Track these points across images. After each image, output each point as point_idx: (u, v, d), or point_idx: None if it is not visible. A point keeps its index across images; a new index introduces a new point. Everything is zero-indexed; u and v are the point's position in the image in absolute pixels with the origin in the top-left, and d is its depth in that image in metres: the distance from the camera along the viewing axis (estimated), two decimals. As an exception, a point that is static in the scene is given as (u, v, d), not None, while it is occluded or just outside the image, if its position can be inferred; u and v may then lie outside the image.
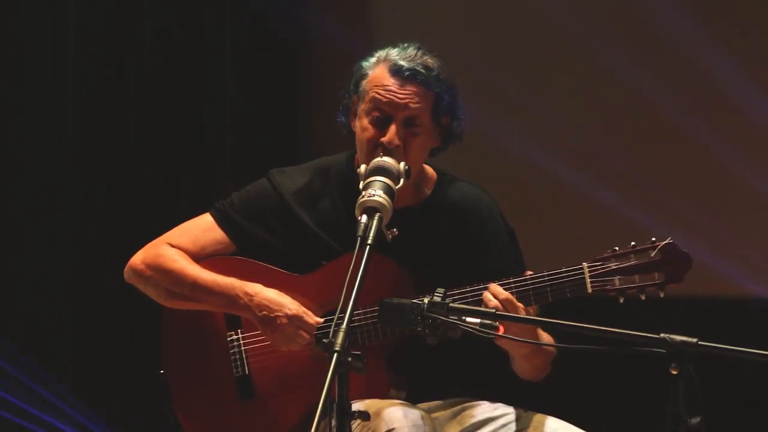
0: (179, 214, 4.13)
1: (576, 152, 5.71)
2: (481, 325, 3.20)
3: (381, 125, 3.83)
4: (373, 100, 3.84)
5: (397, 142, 3.80)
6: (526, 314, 3.69)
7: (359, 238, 3.30)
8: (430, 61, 3.88)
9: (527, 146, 5.75)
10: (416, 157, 3.84)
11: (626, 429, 4.05)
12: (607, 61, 5.66)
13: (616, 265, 3.73)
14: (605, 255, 3.75)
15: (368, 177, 3.54)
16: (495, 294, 3.69)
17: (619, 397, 5.68)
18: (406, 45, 3.91)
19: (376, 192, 3.42)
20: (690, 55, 5.58)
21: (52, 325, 5.93)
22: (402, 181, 3.58)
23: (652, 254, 3.72)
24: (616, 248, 3.75)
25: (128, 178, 5.99)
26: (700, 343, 2.97)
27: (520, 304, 3.67)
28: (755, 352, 3.01)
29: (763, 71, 5.59)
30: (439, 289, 3.29)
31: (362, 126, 3.85)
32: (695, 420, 2.94)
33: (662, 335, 2.98)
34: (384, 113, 3.83)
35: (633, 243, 3.75)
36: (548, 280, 3.73)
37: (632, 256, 3.74)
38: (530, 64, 5.83)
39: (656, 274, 3.73)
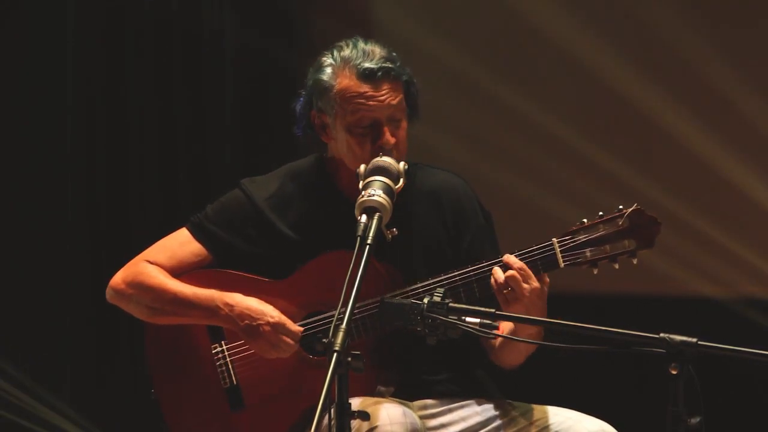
0: (178, 218, 4.12)
1: (574, 157, 5.71)
2: (480, 324, 3.20)
3: (371, 132, 3.83)
4: (355, 111, 3.82)
5: (393, 140, 3.81)
6: (542, 283, 3.70)
7: (359, 238, 3.30)
8: (385, 51, 3.87)
9: (522, 143, 5.76)
10: (404, 146, 3.86)
11: (627, 427, 4.06)
12: (598, 58, 5.66)
13: (585, 237, 3.74)
14: (574, 228, 3.76)
15: (368, 177, 3.53)
16: (510, 264, 3.71)
17: (619, 396, 5.68)
18: (350, 42, 3.90)
19: (375, 192, 3.42)
20: (680, 54, 5.58)
21: (51, 334, 5.92)
22: (402, 180, 3.57)
23: (621, 222, 3.73)
24: (584, 220, 3.76)
25: (128, 181, 5.99)
26: (700, 343, 2.97)
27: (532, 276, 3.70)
28: (755, 352, 3.00)
29: (758, 72, 5.59)
30: (438, 288, 3.29)
31: (348, 139, 3.84)
32: (695, 420, 2.94)
33: (662, 335, 2.98)
34: (370, 120, 3.82)
35: (601, 213, 3.76)
36: (520, 258, 3.73)
37: (601, 226, 3.74)
38: (527, 63, 5.83)
39: (627, 242, 3.73)
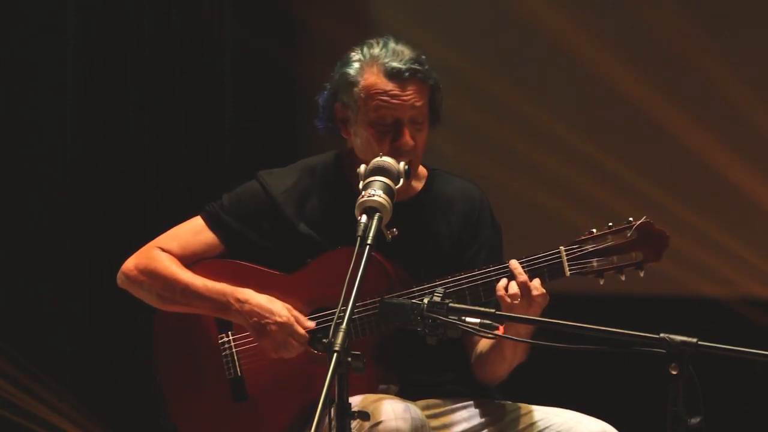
0: (178, 216, 4.12)
1: (582, 161, 5.71)
2: (481, 325, 3.20)
3: (391, 131, 3.83)
4: (378, 108, 3.84)
5: (411, 143, 3.83)
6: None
7: (359, 238, 3.30)
8: (414, 54, 3.88)
9: (532, 147, 5.76)
10: (422, 150, 3.87)
11: (627, 427, 4.07)
12: (598, 57, 5.66)
13: (593, 247, 3.74)
14: (582, 237, 3.76)
15: (368, 177, 3.53)
16: (515, 273, 3.72)
17: (619, 397, 5.68)
18: (380, 41, 3.90)
19: (375, 192, 3.42)
20: (686, 59, 5.58)
21: (51, 329, 5.93)
22: (402, 180, 3.57)
23: (629, 234, 3.73)
24: (593, 230, 3.76)
25: (128, 180, 5.99)
26: (700, 343, 2.97)
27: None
28: (755, 352, 3.00)
29: (762, 75, 5.59)
30: (438, 288, 3.30)
31: (368, 135, 3.85)
32: (695, 420, 2.94)
33: (662, 335, 2.98)
34: (392, 119, 3.83)
35: (610, 224, 3.76)
36: (526, 265, 3.73)
37: (609, 237, 3.75)
38: (533, 66, 5.83)
39: (634, 254, 3.73)
